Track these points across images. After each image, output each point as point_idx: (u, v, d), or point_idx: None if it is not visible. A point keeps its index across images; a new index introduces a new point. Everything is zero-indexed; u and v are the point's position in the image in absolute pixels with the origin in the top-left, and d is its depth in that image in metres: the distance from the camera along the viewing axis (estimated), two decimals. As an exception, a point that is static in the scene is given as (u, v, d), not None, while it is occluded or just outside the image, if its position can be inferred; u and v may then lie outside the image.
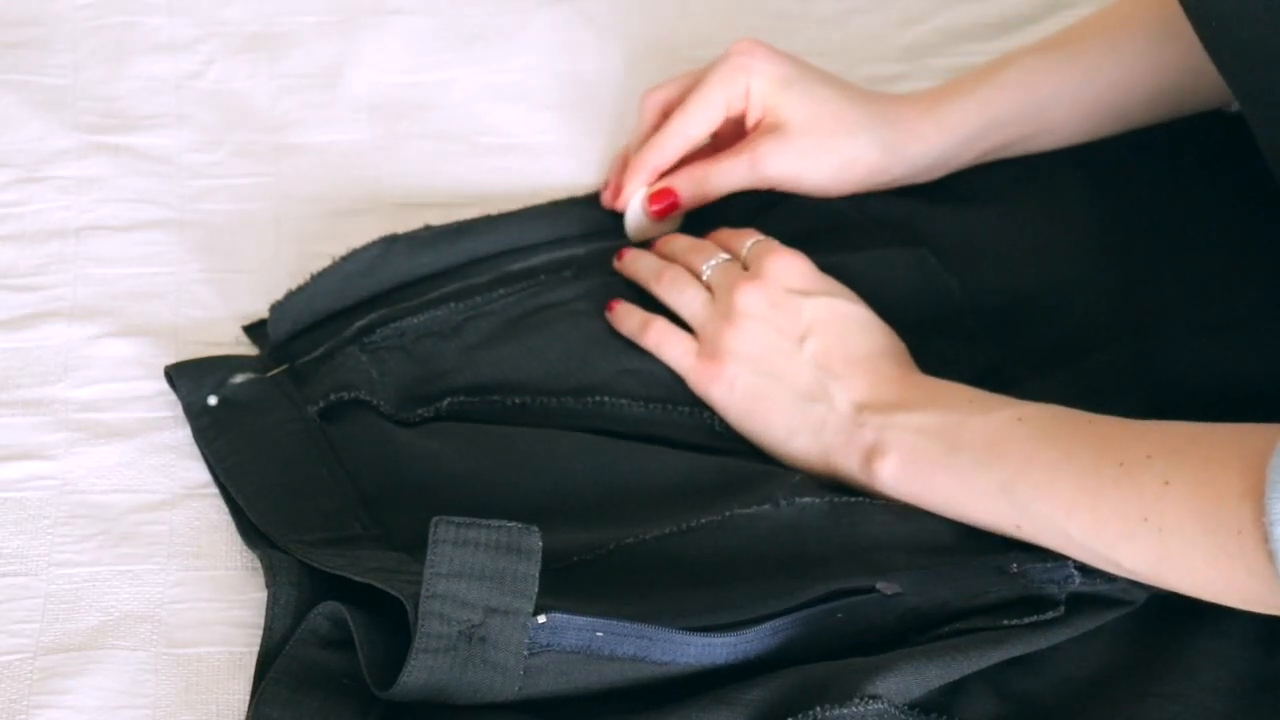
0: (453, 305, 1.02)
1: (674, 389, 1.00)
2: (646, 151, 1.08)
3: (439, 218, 1.08)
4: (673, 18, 1.22)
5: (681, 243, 1.05)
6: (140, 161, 1.12)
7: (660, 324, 1.00)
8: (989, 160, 1.09)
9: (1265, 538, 0.78)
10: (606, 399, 0.99)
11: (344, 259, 1.04)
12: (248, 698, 0.86)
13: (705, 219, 1.08)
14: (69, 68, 1.18)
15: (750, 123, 1.08)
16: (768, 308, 0.98)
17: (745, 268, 1.01)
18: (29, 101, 1.15)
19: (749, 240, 1.02)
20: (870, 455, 0.93)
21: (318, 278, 1.03)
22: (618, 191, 1.09)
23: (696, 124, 1.07)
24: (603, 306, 1.03)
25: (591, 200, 1.11)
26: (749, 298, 0.98)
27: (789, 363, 0.97)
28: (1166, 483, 0.83)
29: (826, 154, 1.06)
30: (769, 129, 1.07)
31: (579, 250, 1.07)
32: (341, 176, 1.13)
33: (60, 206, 1.09)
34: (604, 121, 1.16)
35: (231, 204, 1.11)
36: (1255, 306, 1.01)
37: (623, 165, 1.10)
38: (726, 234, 1.04)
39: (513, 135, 1.15)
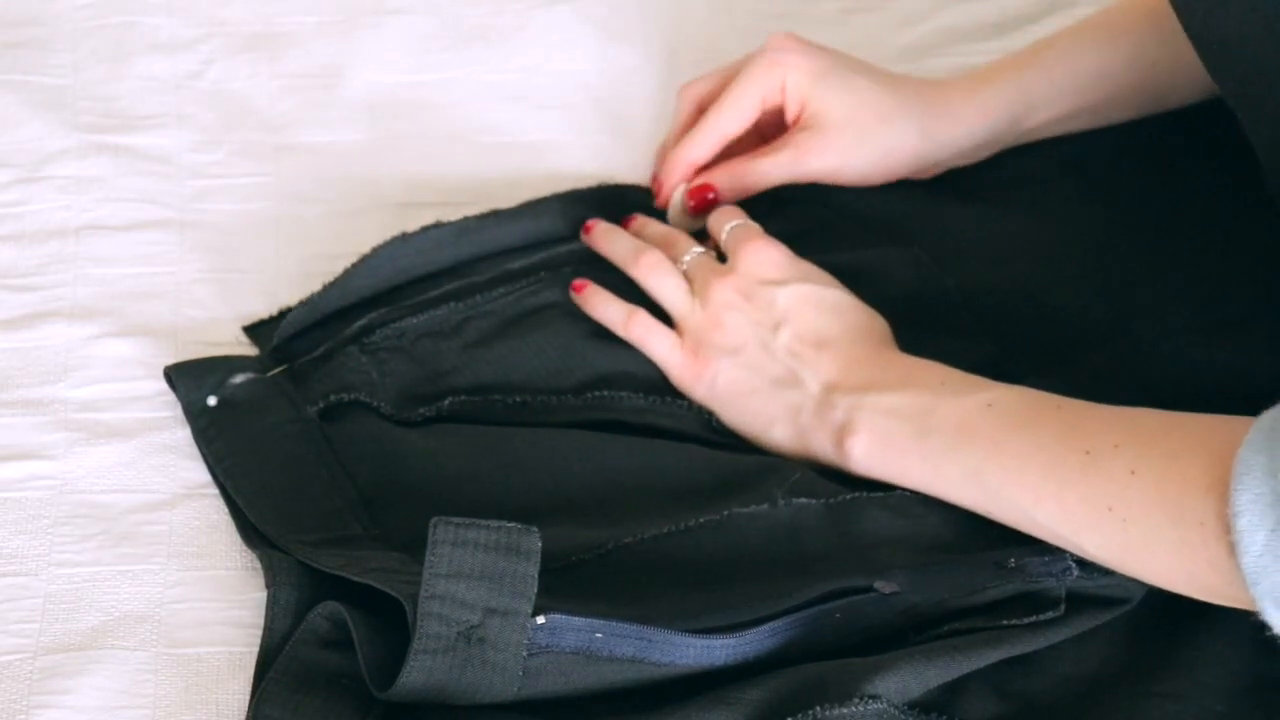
0: (452, 305, 1.02)
1: (670, 387, 1.00)
2: (682, 149, 1.08)
3: (439, 217, 1.07)
4: (672, 18, 1.22)
5: (658, 231, 1.05)
6: (140, 161, 1.12)
7: (644, 318, 1.00)
8: (1034, 139, 1.09)
9: (1228, 529, 0.78)
10: (607, 393, 0.99)
11: (357, 265, 1.03)
12: (248, 698, 0.86)
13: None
14: (69, 68, 1.18)
15: (789, 117, 1.08)
16: (742, 300, 0.98)
17: (723, 254, 1.02)
18: (29, 101, 1.15)
19: (729, 223, 1.03)
20: (841, 435, 0.94)
21: (330, 288, 1.03)
22: (660, 188, 1.09)
23: (731, 121, 1.08)
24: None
25: (597, 192, 1.11)
26: (725, 293, 0.99)
27: (764, 353, 0.97)
28: (1133, 472, 0.83)
29: (867, 146, 1.06)
30: (808, 124, 1.07)
31: (578, 246, 1.07)
32: (341, 176, 1.13)
33: (60, 206, 1.09)
34: (604, 121, 1.16)
35: (232, 204, 1.11)
36: (1252, 306, 1.01)
37: (662, 160, 1.10)
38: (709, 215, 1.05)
39: (513, 135, 1.15)
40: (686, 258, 1.02)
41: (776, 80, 1.07)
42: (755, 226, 1.03)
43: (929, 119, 1.07)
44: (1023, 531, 0.89)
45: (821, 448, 0.95)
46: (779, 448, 0.97)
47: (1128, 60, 1.06)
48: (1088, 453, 0.85)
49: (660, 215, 1.09)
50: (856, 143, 1.06)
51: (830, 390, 0.95)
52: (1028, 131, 1.08)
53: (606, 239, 1.05)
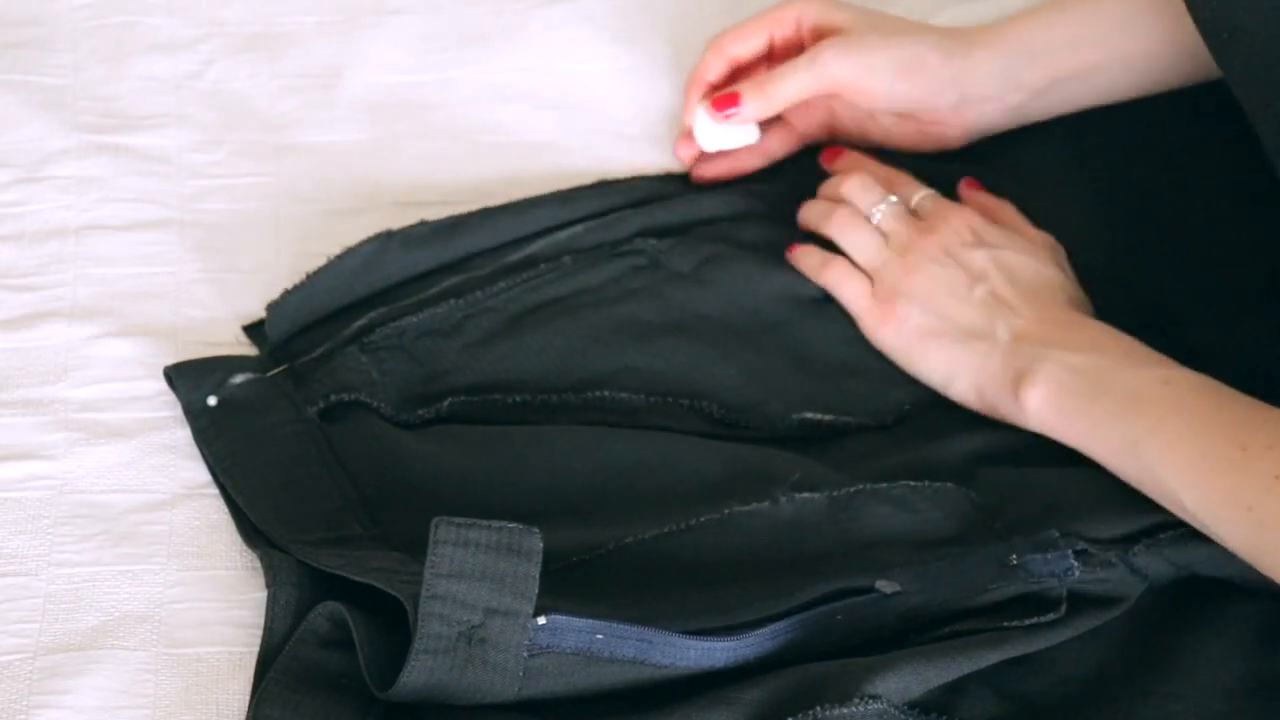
0: (452, 302, 1.02)
1: (674, 384, 1.00)
2: (694, 71, 1.11)
3: (438, 216, 1.07)
4: (673, 18, 1.22)
5: (850, 183, 1.06)
6: (140, 161, 1.12)
7: (840, 263, 1.02)
8: (1061, 100, 1.08)
9: None
10: (607, 393, 0.99)
11: (340, 257, 1.04)
12: (248, 698, 0.86)
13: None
14: (69, 68, 1.17)
15: (808, 41, 1.09)
16: (942, 254, 1.00)
17: (915, 216, 1.03)
18: (29, 101, 1.15)
19: (919, 192, 1.04)
20: (1020, 380, 0.95)
21: (314, 277, 1.03)
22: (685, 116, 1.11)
23: (735, 41, 1.09)
24: (602, 300, 1.02)
25: (593, 190, 1.10)
26: (928, 248, 1.00)
27: (959, 304, 0.99)
28: (1277, 477, 0.84)
29: (888, 51, 1.06)
30: (828, 35, 1.07)
31: (578, 229, 1.07)
32: (341, 176, 1.13)
33: (60, 206, 1.09)
34: (604, 121, 1.16)
35: (231, 204, 1.11)
36: (1270, 295, 1.01)
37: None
38: (895, 177, 1.06)
39: (513, 135, 1.15)
40: (881, 206, 1.03)
41: (790, 14, 1.09)
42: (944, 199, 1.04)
43: (949, 40, 1.06)
44: (1170, 510, 0.90)
45: (998, 396, 0.96)
46: (958, 399, 0.98)
47: (1151, 10, 1.05)
48: (1243, 449, 0.86)
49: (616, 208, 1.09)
50: (878, 47, 1.06)
51: (1019, 340, 0.96)
52: (1055, 80, 1.07)
53: (805, 212, 1.07)
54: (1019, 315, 0.98)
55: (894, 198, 1.04)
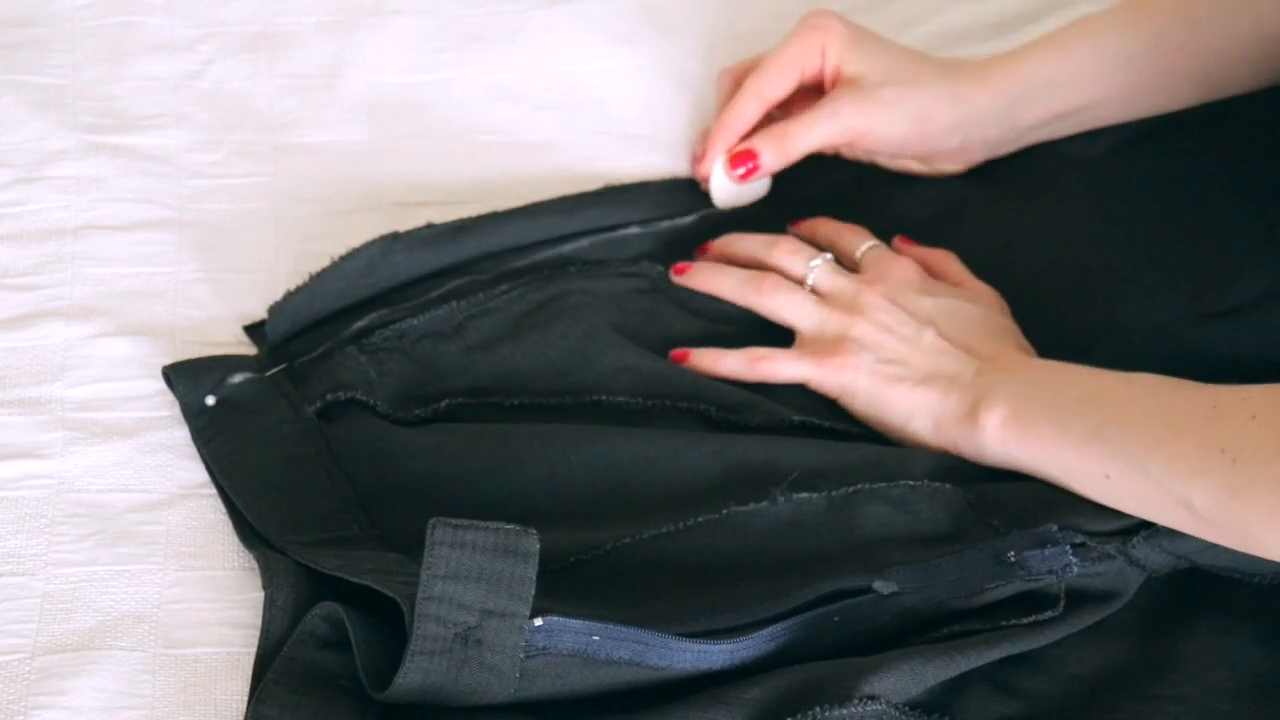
0: (454, 304, 1.02)
1: (671, 385, 0.99)
2: (724, 115, 1.09)
3: (438, 217, 1.07)
4: (672, 19, 1.22)
5: (779, 249, 1.05)
6: (139, 161, 1.12)
7: (772, 354, 1.00)
8: (1067, 129, 1.09)
9: None
10: (604, 397, 0.99)
11: (344, 258, 1.03)
12: (245, 698, 0.86)
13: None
14: (68, 68, 1.17)
15: (828, 81, 1.10)
16: (887, 303, 1.00)
17: (854, 269, 1.03)
18: (29, 101, 1.15)
19: (865, 243, 1.04)
20: (978, 407, 0.94)
21: (317, 278, 1.03)
22: (701, 158, 1.10)
23: (771, 83, 1.09)
24: (608, 300, 1.02)
25: (597, 195, 1.10)
26: (872, 297, 1.00)
27: (911, 349, 0.98)
28: (1254, 417, 0.84)
29: (904, 105, 1.07)
30: (846, 84, 1.08)
31: (583, 243, 1.07)
32: (341, 176, 1.13)
33: (59, 206, 1.09)
34: (604, 121, 1.16)
35: (231, 204, 1.11)
36: (1260, 292, 1.01)
37: (703, 139, 1.11)
38: (830, 228, 1.06)
39: (512, 135, 1.15)
40: (816, 262, 1.03)
41: (816, 44, 1.08)
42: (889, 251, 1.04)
43: (961, 84, 1.08)
44: (1128, 507, 0.89)
45: (956, 429, 0.95)
46: (916, 440, 0.97)
47: (1151, 43, 1.06)
48: (1214, 406, 0.86)
49: (621, 218, 1.08)
50: (895, 100, 1.07)
51: (977, 375, 0.96)
52: (1058, 115, 1.08)
53: (711, 278, 1.04)
54: (972, 356, 0.97)
55: (825, 255, 1.03)
